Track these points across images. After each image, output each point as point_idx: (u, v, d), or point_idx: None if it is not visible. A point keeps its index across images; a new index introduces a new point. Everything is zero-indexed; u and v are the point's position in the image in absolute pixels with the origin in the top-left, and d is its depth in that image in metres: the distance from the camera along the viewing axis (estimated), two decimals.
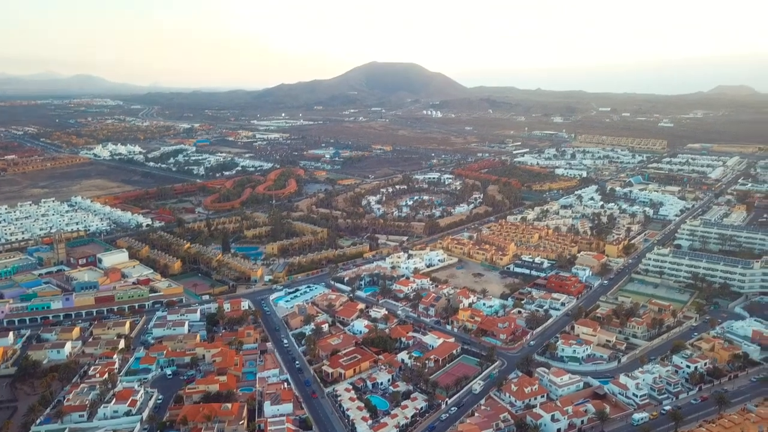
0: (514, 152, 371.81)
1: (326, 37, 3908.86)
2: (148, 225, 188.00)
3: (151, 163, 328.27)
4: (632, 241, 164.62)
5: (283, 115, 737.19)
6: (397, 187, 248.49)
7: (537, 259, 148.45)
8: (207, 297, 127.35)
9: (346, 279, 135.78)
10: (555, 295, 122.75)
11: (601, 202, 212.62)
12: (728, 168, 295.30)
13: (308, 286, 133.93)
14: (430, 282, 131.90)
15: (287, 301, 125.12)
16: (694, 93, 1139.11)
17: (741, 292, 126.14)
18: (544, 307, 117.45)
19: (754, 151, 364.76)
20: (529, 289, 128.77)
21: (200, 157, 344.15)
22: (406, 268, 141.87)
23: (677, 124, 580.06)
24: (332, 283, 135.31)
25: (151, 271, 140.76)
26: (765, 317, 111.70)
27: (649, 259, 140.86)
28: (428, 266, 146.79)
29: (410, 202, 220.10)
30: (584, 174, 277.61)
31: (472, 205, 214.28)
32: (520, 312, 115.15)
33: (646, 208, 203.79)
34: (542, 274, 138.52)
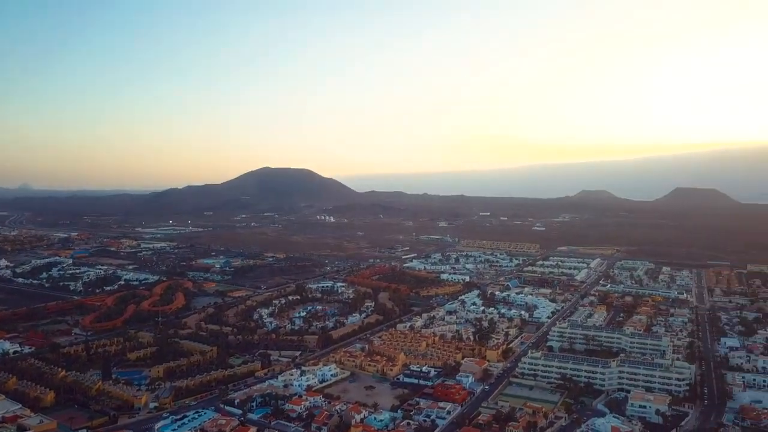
0: (404, 257, 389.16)
1: (217, 141, 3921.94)
2: (16, 352, 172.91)
3: (20, 279, 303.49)
4: (510, 345, 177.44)
5: (170, 221, 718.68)
6: (290, 297, 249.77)
7: (424, 368, 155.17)
8: (84, 431, 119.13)
9: (237, 401, 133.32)
10: (441, 404, 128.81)
11: (482, 307, 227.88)
12: (591, 269, 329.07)
13: (197, 412, 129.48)
14: (323, 399, 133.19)
15: (174, 429, 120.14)
16: (563, 197, 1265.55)
17: (602, 389, 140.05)
18: (431, 417, 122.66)
19: (613, 252, 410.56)
20: (418, 399, 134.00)
21: (78, 271, 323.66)
22: (299, 385, 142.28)
23: (549, 227, 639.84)
24: (222, 406, 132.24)
25: (20, 405, 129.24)
26: (621, 412, 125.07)
27: (524, 362, 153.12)
28: (321, 382, 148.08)
29: (303, 313, 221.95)
30: (467, 278, 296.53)
31: (364, 314, 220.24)
32: (408, 424, 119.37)
33: (523, 312, 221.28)
34: (429, 383, 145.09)
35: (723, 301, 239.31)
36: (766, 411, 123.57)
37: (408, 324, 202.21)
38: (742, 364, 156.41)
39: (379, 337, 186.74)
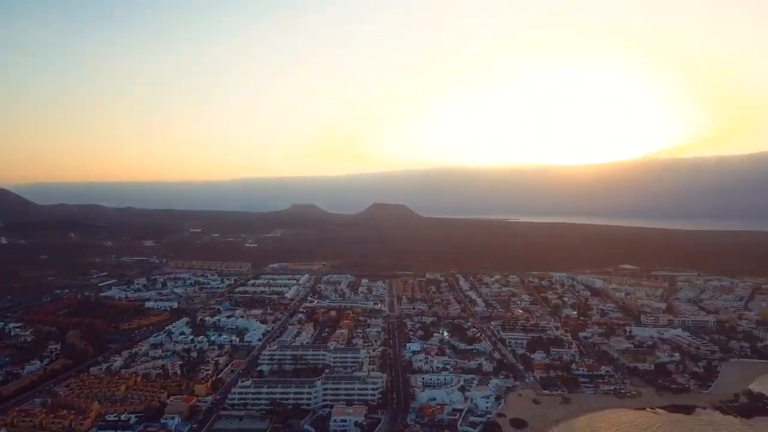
0: (101, 285, 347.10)
1: None
2: None
3: None
4: (220, 375, 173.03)
5: None
6: None
7: (123, 416, 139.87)
8: None
9: None
10: None
11: (192, 336, 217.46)
12: (301, 286, 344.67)
13: None
14: None
15: None
16: (273, 212, 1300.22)
17: (309, 408, 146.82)
18: None
19: (320, 267, 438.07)
20: None
21: None
22: None
23: (261, 243, 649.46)
24: None
25: None
26: (325, 429, 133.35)
27: (234, 392, 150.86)
28: None
29: None
30: (175, 305, 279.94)
31: (47, 360, 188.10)
32: None
33: (234, 337, 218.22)
34: None
35: (408, 308, 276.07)
36: (439, 406, 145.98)
37: (104, 365, 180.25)
38: (422, 366, 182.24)
39: (67, 386, 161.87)
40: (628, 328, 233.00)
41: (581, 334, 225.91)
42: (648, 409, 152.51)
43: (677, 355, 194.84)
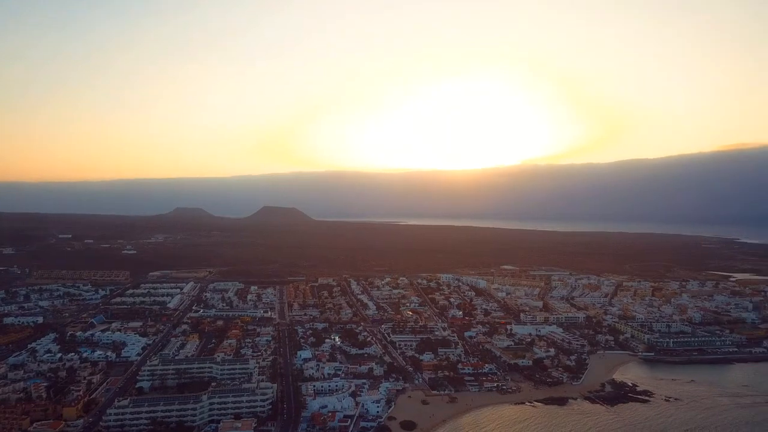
0: None
1: None
2: None
3: None
4: (94, 396, 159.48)
5: None
6: None
7: None
8: None
9: None
10: None
11: (60, 354, 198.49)
12: (185, 295, 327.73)
13: None
14: None
15: None
16: (156, 216, 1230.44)
17: (194, 425, 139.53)
18: None
19: (206, 275, 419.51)
20: None
21: None
22: None
23: (141, 249, 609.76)
24: None
25: None
26: None
27: (110, 414, 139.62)
28: None
29: None
30: (40, 319, 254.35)
31: None
32: None
33: (110, 352, 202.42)
34: None
35: (299, 314, 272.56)
36: (331, 414, 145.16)
37: None
38: (313, 373, 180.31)
39: None
40: (509, 327, 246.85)
41: (467, 334, 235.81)
42: (527, 403, 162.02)
43: (552, 351, 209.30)
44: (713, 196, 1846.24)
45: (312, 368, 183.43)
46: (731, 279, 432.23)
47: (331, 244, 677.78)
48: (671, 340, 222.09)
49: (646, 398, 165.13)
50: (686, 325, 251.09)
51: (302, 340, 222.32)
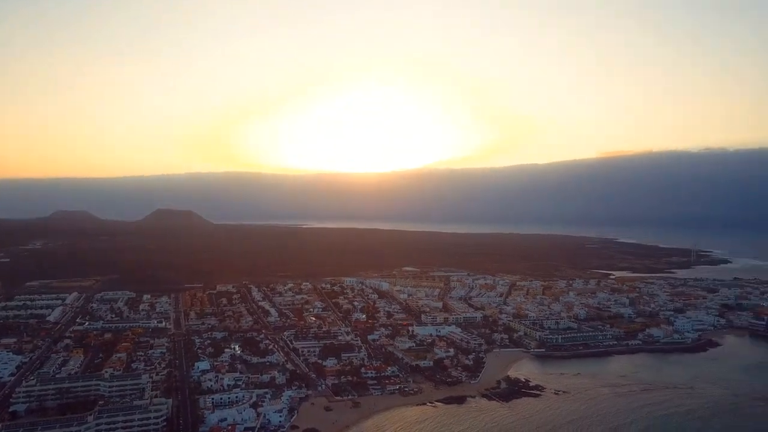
0: None
1: None
2: None
3: None
4: None
5: None
6: None
7: None
8: None
9: None
10: None
11: None
12: (68, 306, 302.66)
13: None
14: None
15: None
16: (33, 219, 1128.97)
17: None
18: None
19: (92, 284, 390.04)
20: None
21: None
22: None
23: (15, 257, 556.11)
24: None
25: None
26: None
27: None
28: None
29: None
30: None
31: None
32: None
33: None
34: None
35: (197, 324, 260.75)
36: (230, 427, 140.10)
37: None
38: (212, 385, 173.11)
39: None
40: (411, 328, 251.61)
41: (370, 337, 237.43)
42: (428, 403, 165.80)
43: (452, 351, 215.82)
44: (596, 199, 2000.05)
45: (210, 380, 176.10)
46: (611, 277, 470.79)
47: (231, 249, 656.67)
48: (560, 336, 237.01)
49: (538, 392, 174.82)
50: (573, 321, 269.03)
51: (200, 351, 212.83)
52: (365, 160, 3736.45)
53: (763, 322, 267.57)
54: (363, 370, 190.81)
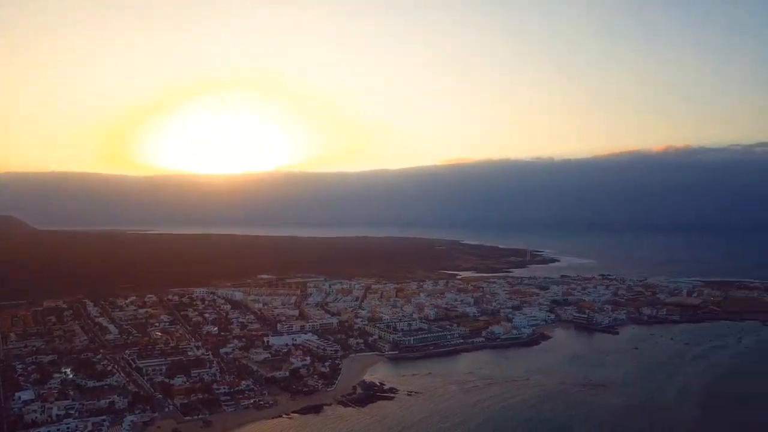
0: None
1: None
2: None
3: None
4: None
5: None
6: None
7: None
8: None
9: None
10: None
11: None
12: None
13: None
14: None
15: None
16: None
17: None
18: None
19: None
20: None
21: None
22: None
23: None
24: None
25: None
26: None
27: None
28: None
29: None
30: None
31: None
32: None
33: None
34: None
35: (19, 347, 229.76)
36: None
37: None
38: (37, 417, 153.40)
39: None
40: (266, 338, 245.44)
41: (222, 351, 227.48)
42: (284, 415, 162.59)
43: (308, 359, 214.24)
44: (443, 203, 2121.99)
45: (35, 411, 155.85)
46: (457, 277, 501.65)
47: (61, 258, 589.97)
48: (412, 337, 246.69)
49: (392, 395, 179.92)
50: (424, 322, 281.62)
51: (22, 378, 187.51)
52: (216, 161, 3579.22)
53: (585, 315, 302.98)
54: (215, 386, 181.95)
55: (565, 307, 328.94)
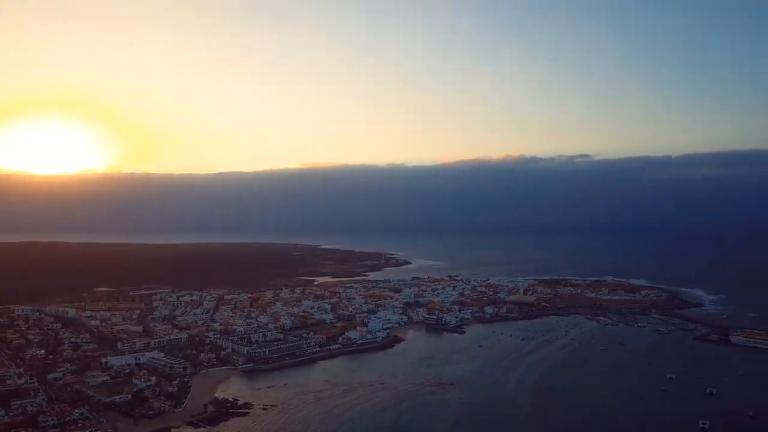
0: None
1: None
2: None
3: None
4: None
5: None
6: None
7: None
8: None
9: None
10: None
11: None
12: None
13: None
14: None
15: None
16: None
17: None
18: None
19: None
20: None
21: None
22: None
23: None
24: None
25: None
26: None
27: None
28: None
29: None
30: None
31: None
32: None
33: None
34: None
35: None
36: None
37: None
38: None
39: None
40: (104, 360, 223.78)
41: (50, 376, 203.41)
42: None
43: (153, 379, 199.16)
44: (300, 208, 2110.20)
45: None
46: (315, 283, 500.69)
47: None
48: (267, 348, 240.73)
49: (246, 410, 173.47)
50: (279, 332, 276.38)
51: None
52: (42, 160, 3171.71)
53: (435, 316, 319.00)
54: (41, 417, 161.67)
55: (417, 309, 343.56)
